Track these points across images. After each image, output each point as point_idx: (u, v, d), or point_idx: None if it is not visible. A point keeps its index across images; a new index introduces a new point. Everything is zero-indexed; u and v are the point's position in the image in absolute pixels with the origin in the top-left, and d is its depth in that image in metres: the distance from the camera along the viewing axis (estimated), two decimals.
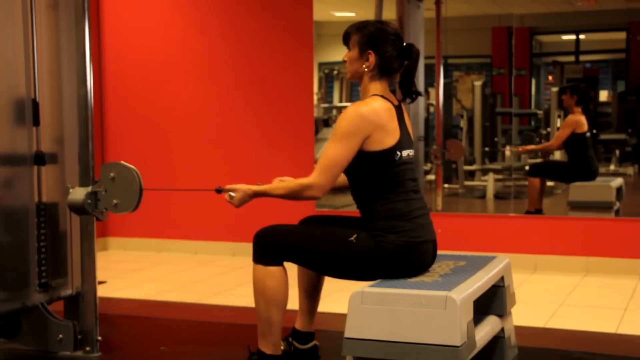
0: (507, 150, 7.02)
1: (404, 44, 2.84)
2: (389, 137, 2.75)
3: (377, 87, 2.83)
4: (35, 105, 3.27)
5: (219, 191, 2.96)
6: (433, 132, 6.63)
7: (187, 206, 6.15)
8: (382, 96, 2.80)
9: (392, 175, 2.76)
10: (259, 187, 2.88)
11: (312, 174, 2.76)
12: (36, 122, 3.28)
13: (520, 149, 6.66)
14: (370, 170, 2.76)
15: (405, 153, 2.79)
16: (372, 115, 2.72)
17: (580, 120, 5.86)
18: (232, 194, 2.89)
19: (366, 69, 2.82)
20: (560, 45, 7.67)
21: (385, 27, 2.84)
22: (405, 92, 2.89)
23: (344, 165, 2.75)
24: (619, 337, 3.72)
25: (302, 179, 2.79)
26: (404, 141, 2.80)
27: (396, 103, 2.84)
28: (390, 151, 2.74)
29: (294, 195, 2.80)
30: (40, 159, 3.29)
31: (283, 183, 2.86)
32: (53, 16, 3.36)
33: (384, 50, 2.80)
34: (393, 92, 2.90)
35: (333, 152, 2.73)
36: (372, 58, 2.80)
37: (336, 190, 3.05)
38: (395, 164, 2.76)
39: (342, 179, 2.95)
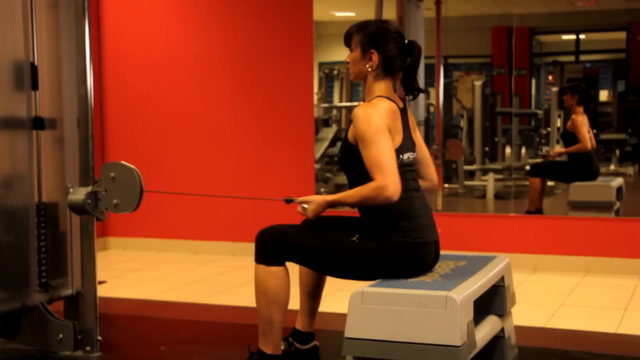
0: (544, 152, 6.91)
1: (406, 42, 2.83)
2: (393, 139, 2.73)
3: (381, 87, 2.82)
4: (35, 73, 3.25)
5: (289, 201, 2.91)
6: (433, 132, 6.63)
7: (187, 206, 6.15)
8: (388, 97, 2.79)
9: None
10: (332, 196, 2.78)
11: (375, 178, 2.62)
12: (36, 88, 3.27)
13: (552, 152, 6.54)
14: None
15: (406, 156, 2.78)
16: (381, 115, 2.71)
17: (584, 119, 5.88)
18: (306, 205, 2.81)
19: (370, 69, 2.81)
20: (560, 45, 7.67)
21: (387, 25, 2.84)
22: (407, 89, 2.89)
23: (395, 159, 2.65)
24: (619, 337, 3.72)
25: (372, 183, 2.63)
26: (406, 144, 2.79)
27: (401, 105, 2.84)
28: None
29: (368, 201, 2.66)
30: (39, 123, 3.28)
31: (355, 190, 2.71)
32: (53, 16, 3.36)
33: (387, 48, 2.79)
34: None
35: (377, 151, 2.62)
36: (375, 57, 2.80)
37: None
38: (397, 166, 2.75)
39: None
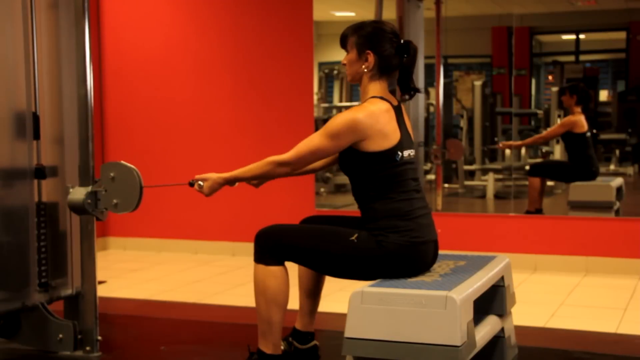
0: (496, 146, 6.99)
1: (402, 41, 2.84)
2: (389, 139, 2.74)
3: (376, 87, 2.83)
4: (35, 119, 3.27)
5: (192, 184, 2.97)
6: (433, 132, 6.63)
7: (187, 206, 6.15)
8: (382, 97, 2.80)
9: (393, 175, 2.76)
10: (229, 173, 2.93)
11: (289, 152, 2.82)
12: (37, 136, 3.28)
13: (501, 144, 6.61)
14: (372, 171, 2.76)
15: (406, 153, 2.79)
16: (369, 120, 2.72)
17: (578, 121, 5.87)
18: (201, 183, 2.90)
19: (366, 70, 2.82)
20: (560, 45, 7.67)
21: (382, 26, 2.85)
22: (403, 88, 2.89)
23: (319, 158, 2.84)
24: (619, 337, 3.72)
25: (275, 157, 2.85)
26: (405, 141, 2.80)
27: (395, 103, 2.84)
28: (391, 152, 2.74)
29: (266, 174, 2.88)
30: (40, 172, 3.29)
31: (253, 164, 2.91)
32: (53, 16, 3.36)
33: (382, 49, 2.80)
34: (392, 92, 2.90)
35: (316, 143, 2.78)
36: (371, 58, 2.80)
37: (299, 173, 3.09)
38: (397, 164, 2.76)
39: (311, 166, 3.07)
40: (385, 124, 2.74)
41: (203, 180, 2.94)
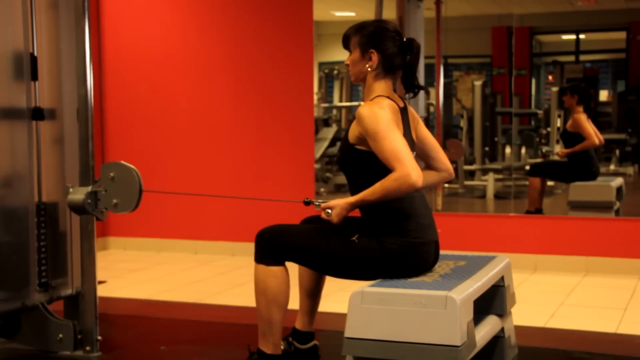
0: (545, 151, 6.91)
1: (404, 39, 2.83)
2: None
3: (381, 86, 2.82)
4: (35, 63, 3.25)
5: (307, 203, 2.92)
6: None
7: (187, 206, 6.15)
8: (388, 97, 2.79)
9: None
10: (355, 197, 2.74)
11: (395, 169, 2.60)
12: (35, 78, 3.26)
13: (561, 152, 6.50)
14: (372, 171, 2.74)
15: None
16: (387, 110, 2.71)
17: (586, 117, 5.91)
18: (329, 210, 2.77)
19: (370, 69, 2.81)
20: (560, 45, 7.67)
21: (384, 24, 2.84)
22: (407, 86, 2.88)
23: (409, 147, 2.65)
24: (619, 337, 3.72)
25: (393, 174, 2.60)
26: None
27: (402, 105, 2.84)
28: None
29: (393, 192, 2.61)
30: (39, 113, 3.27)
31: (376, 185, 2.67)
32: (53, 16, 3.36)
33: (385, 47, 2.79)
34: (396, 92, 2.90)
35: (391, 144, 2.61)
36: (374, 57, 2.80)
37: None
38: None
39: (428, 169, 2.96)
40: (395, 123, 2.74)
41: (330, 208, 2.77)
